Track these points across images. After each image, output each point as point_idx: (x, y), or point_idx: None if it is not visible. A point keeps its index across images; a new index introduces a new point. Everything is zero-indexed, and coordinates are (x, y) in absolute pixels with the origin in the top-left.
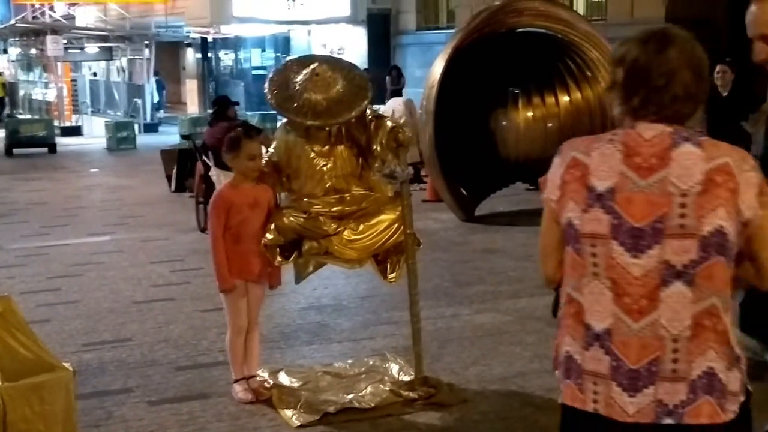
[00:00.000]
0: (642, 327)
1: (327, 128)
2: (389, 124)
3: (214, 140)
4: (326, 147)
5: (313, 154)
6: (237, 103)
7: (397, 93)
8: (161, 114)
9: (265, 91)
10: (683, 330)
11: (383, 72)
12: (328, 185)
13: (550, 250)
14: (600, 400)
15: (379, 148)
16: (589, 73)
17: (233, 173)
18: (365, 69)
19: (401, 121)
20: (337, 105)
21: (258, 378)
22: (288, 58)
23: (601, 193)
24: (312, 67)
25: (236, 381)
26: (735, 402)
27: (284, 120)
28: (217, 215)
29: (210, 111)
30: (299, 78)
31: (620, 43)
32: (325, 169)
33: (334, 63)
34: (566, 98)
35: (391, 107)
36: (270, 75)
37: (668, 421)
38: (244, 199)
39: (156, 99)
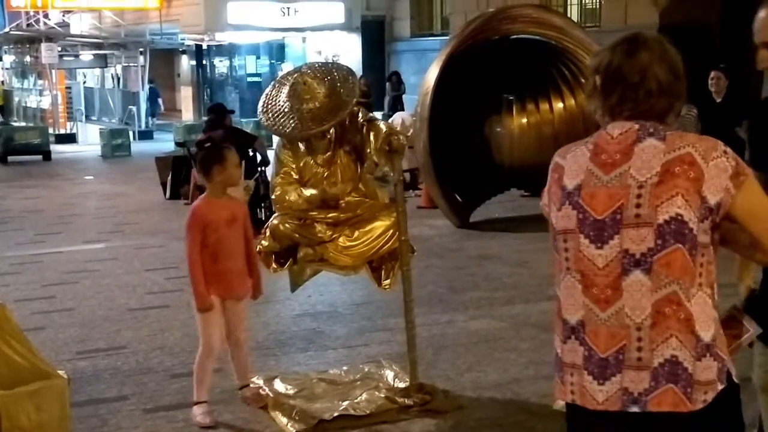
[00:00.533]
0: (609, 316)
1: (328, 136)
2: (383, 127)
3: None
4: (328, 154)
5: (313, 163)
6: (232, 112)
7: (398, 99)
8: (152, 122)
9: (264, 123)
10: (645, 318)
11: (378, 77)
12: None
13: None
14: (575, 390)
15: (373, 152)
16: (582, 80)
17: (208, 189)
18: (361, 76)
19: (410, 132)
20: (331, 105)
21: (251, 385)
22: (274, 81)
23: (570, 191)
24: (293, 80)
25: (197, 403)
26: (705, 391)
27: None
28: (194, 234)
29: (205, 118)
30: (287, 100)
31: (594, 55)
32: (325, 176)
33: (312, 71)
34: (560, 105)
35: (400, 118)
36: (261, 113)
37: (634, 409)
38: (221, 216)
39: (148, 107)
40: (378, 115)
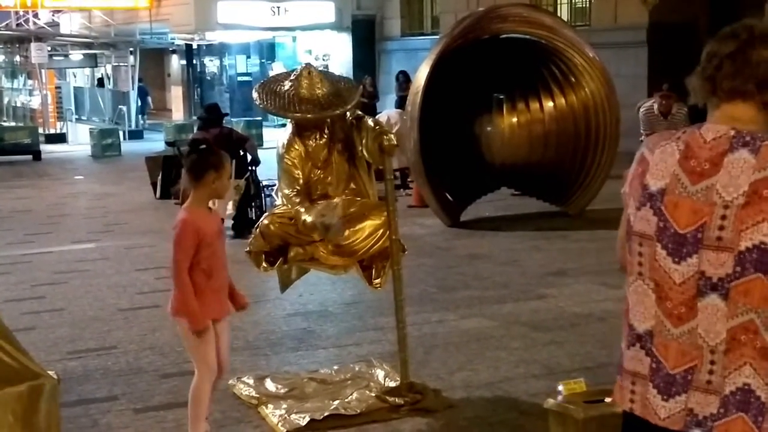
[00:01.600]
0: (681, 333)
1: (326, 134)
2: (371, 123)
3: None
4: (323, 155)
5: (311, 166)
6: (227, 114)
7: (405, 99)
8: (143, 120)
9: (260, 104)
10: (719, 343)
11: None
12: (319, 192)
13: (623, 242)
14: (637, 400)
15: (364, 151)
16: (573, 79)
17: (194, 197)
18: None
19: (395, 129)
20: (337, 95)
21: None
22: (267, 76)
23: (653, 193)
24: (300, 69)
25: None
26: None
27: (285, 139)
28: (187, 248)
29: (196, 117)
30: (287, 84)
31: (709, 44)
32: (321, 177)
33: (315, 68)
34: (551, 104)
35: (386, 115)
36: (255, 92)
37: (696, 431)
38: (212, 228)
39: (138, 105)
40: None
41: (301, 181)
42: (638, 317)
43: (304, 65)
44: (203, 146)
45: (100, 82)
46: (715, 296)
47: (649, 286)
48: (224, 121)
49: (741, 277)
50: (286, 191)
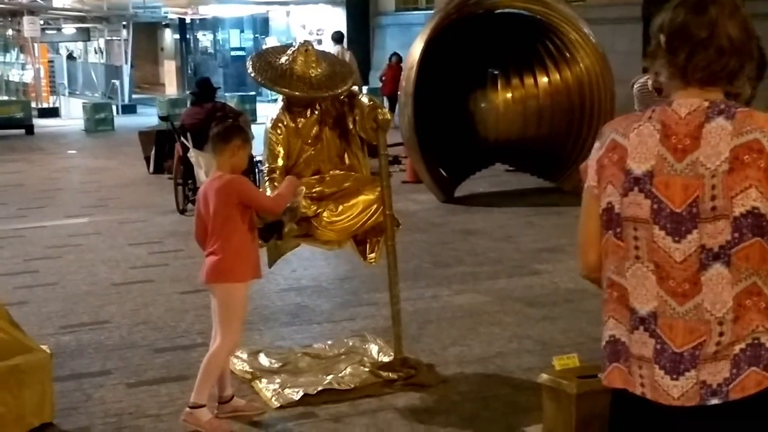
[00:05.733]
0: (687, 310)
1: (317, 112)
2: (366, 101)
3: (193, 121)
4: (314, 131)
5: (301, 143)
6: (219, 88)
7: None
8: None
9: (252, 73)
10: (727, 312)
11: (362, 52)
12: (312, 168)
13: (594, 240)
14: (646, 384)
15: (358, 128)
16: (568, 55)
17: (219, 165)
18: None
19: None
20: (330, 78)
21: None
22: (262, 48)
23: (639, 177)
24: (298, 46)
25: (199, 406)
26: None
27: (274, 114)
28: (253, 187)
29: (189, 92)
30: (283, 59)
31: (656, 16)
32: (312, 153)
33: (312, 47)
34: (545, 79)
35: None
36: (249, 60)
37: (714, 401)
38: None
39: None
40: None
41: (280, 159)
42: (639, 300)
43: (302, 42)
44: (227, 114)
45: (71, 56)
46: (718, 265)
47: (649, 268)
48: (217, 96)
49: (740, 243)
50: (265, 166)
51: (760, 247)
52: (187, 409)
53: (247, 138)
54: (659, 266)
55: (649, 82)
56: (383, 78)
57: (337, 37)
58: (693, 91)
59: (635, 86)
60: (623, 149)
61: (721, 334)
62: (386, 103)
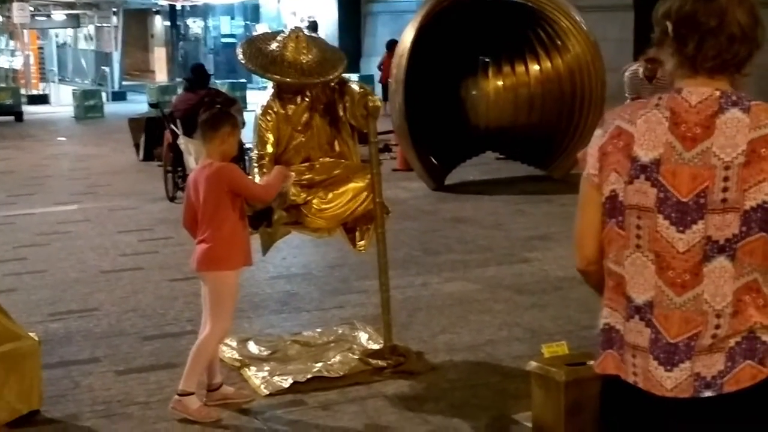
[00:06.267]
0: (685, 301)
1: (307, 99)
2: (356, 89)
3: (186, 107)
4: (304, 118)
5: (291, 130)
6: (211, 75)
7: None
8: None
9: (242, 60)
10: (726, 306)
11: (353, 39)
12: (302, 155)
13: (592, 231)
14: (639, 373)
15: (348, 115)
16: (559, 42)
17: (209, 152)
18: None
19: None
20: (321, 64)
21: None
22: (251, 35)
23: (646, 164)
24: (288, 32)
25: (187, 394)
26: None
27: (264, 101)
28: (242, 174)
29: (181, 78)
30: (274, 45)
31: (660, 3)
32: (303, 140)
33: (303, 33)
34: (536, 67)
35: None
36: (239, 46)
37: (708, 393)
38: None
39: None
40: None
41: (270, 146)
42: (637, 289)
43: (293, 28)
44: (219, 100)
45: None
46: (722, 258)
47: (649, 258)
48: (210, 82)
49: (747, 237)
50: (254, 153)
51: (764, 243)
52: (176, 396)
53: (236, 124)
54: (659, 256)
55: (640, 70)
56: (381, 66)
57: (313, 27)
58: (702, 79)
59: (626, 74)
60: (629, 136)
61: (717, 326)
62: (381, 91)
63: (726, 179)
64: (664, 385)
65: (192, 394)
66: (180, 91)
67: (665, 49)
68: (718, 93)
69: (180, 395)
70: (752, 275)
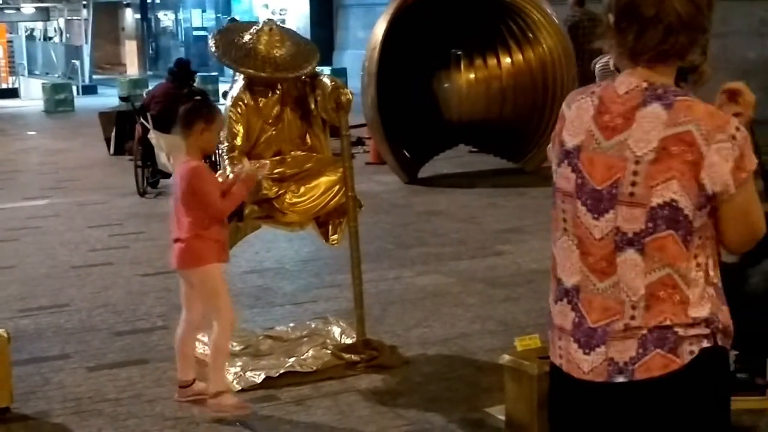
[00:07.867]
0: (606, 287)
1: (278, 92)
2: (327, 82)
3: (162, 101)
4: (275, 111)
5: (262, 123)
6: (196, 73)
7: None
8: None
9: (214, 52)
10: (639, 299)
11: (325, 33)
12: (274, 149)
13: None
14: (563, 355)
15: (319, 108)
16: (530, 35)
17: (187, 149)
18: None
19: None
20: (294, 57)
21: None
22: (225, 24)
23: (569, 150)
24: (262, 24)
25: (186, 386)
26: (690, 342)
27: (234, 93)
28: (213, 180)
29: (150, 73)
30: (247, 37)
31: None
32: (273, 134)
33: (276, 26)
34: (508, 60)
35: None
36: (211, 38)
37: (620, 379)
38: None
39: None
40: None
41: (239, 138)
42: (566, 272)
43: (266, 20)
44: (198, 97)
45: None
46: (632, 251)
47: (573, 242)
48: (194, 81)
49: (653, 233)
50: (223, 144)
51: (673, 242)
52: (210, 400)
53: (212, 119)
54: (581, 241)
55: (611, 63)
56: None
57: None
58: (641, 70)
59: (597, 66)
60: (563, 120)
61: (632, 317)
62: None
63: (635, 173)
64: (582, 368)
65: (225, 392)
66: (150, 85)
67: (608, 41)
68: (644, 85)
69: (214, 396)
70: (664, 270)
